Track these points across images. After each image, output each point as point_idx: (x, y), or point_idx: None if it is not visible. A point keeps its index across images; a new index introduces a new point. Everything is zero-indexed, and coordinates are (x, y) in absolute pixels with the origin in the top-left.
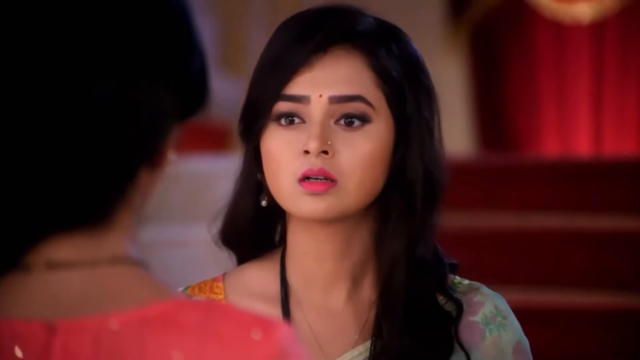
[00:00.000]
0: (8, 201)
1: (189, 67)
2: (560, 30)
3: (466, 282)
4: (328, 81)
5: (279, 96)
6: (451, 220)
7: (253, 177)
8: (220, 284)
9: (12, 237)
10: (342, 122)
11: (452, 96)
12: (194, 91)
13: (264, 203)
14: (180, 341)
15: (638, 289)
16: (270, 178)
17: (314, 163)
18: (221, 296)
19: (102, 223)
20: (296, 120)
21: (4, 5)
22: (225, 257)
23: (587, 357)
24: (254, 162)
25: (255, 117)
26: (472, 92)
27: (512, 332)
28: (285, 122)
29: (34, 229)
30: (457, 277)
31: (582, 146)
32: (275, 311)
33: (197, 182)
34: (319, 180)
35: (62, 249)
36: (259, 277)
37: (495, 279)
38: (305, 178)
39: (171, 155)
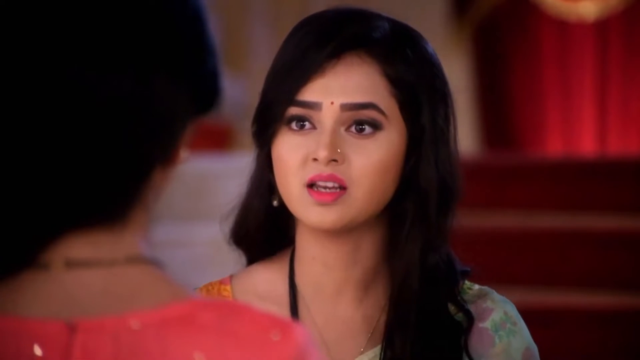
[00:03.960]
0: (26, 198)
1: (203, 66)
2: (565, 28)
3: (476, 287)
4: (340, 88)
5: (292, 101)
6: (454, 219)
7: (265, 179)
8: (228, 287)
9: (29, 235)
10: (352, 129)
11: (455, 95)
12: (207, 90)
13: (275, 203)
14: (201, 342)
15: None
16: (280, 182)
17: (322, 170)
18: (229, 299)
19: (119, 221)
20: (307, 125)
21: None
22: (226, 257)
23: (589, 357)
24: (265, 164)
25: (268, 121)
26: (475, 91)
27: (522, 338)
28: (296, 126)
29: (51, 226)
30: (467, 282)
31: (586, 145)
32: (284, 315)
33: (198, 181)
34: (327, 189)
35: (80, 247)
36: (268, 279)
37: (498, 279)
38: (312, 184)
39: (183, 154)
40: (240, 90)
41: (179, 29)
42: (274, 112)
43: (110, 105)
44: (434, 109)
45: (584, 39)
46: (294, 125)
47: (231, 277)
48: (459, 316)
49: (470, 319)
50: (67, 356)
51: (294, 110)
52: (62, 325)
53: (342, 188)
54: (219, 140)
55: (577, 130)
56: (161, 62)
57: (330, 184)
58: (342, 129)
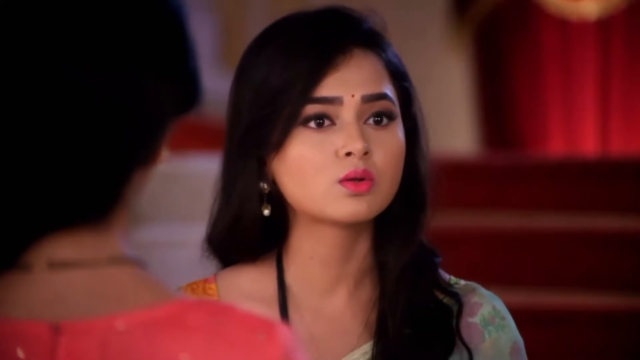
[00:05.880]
0: (8, 197)
1: (186, 67)
2: (566, 27)
3: (462, 282)
4: (356, 81)
5: (308, 99)
6: (455, 219)
7: (255, 188)
8: (213, 285)
9: (11, 235)
10: (371, 121)
11: (455, 94)
12: (190, 90)
13: (266, 212)
14: (188, 342)
15: None
16: (297, 183)
17: (357, 164)
18: (215, 298)
19: (102, 221)
20: (326, 122)
21: (9, 1)
22: None
23: (590, 357)
24: (255, 173)
25: (274, 125)
26: (476, 90)
27: (510, 332)
28: (315, 124)
29: (34, 226)
30: (452, 278)
31: (588, 145)
32: (272, 313)
33: (197, 181)
34: (362, 180)
35: (63, 248)
36: (254, 278)
37: (500, 279)
38: (347, 179)
39: (164, 153)
40: None
41: (165, 30)
42: (286, 115)
43: (105, 105)
44: (417, 100)
45: (585, 38)
46: (312, 123)
47: (215, 275)
48: (447, 300)
49: (459, 302)
50: (51, 358)
51: (311, 109)
52: (46, 326)
53: (372, 179)
54: (219, 140)
55: (578, 130)
56: (150, 63)
57: (360, 177)
58: (361, 122)
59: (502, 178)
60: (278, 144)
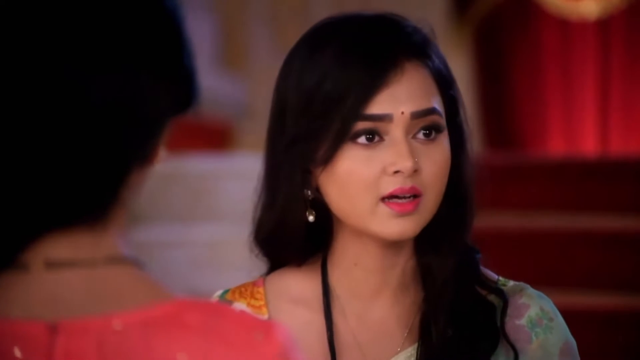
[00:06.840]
0: (5, 197)
1: (183, 66)
2: (566, 27)
3: (511, 283)
4: (406, 97)
5: (359, 116)
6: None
7: (300, 196)
8: (261, 289)
9: (8, 235)
10: (419, 135)
11: None
12: (186, 90)
13: (311, 219)
14: (186, 342)
15: None
16: (344, 197)
17: (404, 182)
18: (262, 302)
19: (99, 221)
20: (375, 138)
21: (7, 3)
22: (224, 257)
23: (589, 357)
24: (301, 182)
25: (321, 140)
26: (476, 90)
27: (559, 333)
28: (364, 140)
29: (31, 226)
30: (501, 278)
31: (588, 145)
32: (318, 317)
33: (197, 182)
34: (406, 199)
35: (60, 247)
36: (301, 283)
37: None
38: (391, 197)
39: (162, 153)
40: (240, 90)
41: (162, 30)
42: (335, 130)
43: (103, 105)
44: (463, 105)
45: (585, 38)
46: (361, 139)
47: (264, 279)
48: (492, 298)
49: (504, 299)
50: (49, 358)
51: (361, 125)
52: (44, 326)
53: (418, 196)
54: (219, 140)
55: (578, 130)
56: (148, 63)
57: (408, 194)
58: (409, 137)
59: (501, 178)
60: (326, 160)
